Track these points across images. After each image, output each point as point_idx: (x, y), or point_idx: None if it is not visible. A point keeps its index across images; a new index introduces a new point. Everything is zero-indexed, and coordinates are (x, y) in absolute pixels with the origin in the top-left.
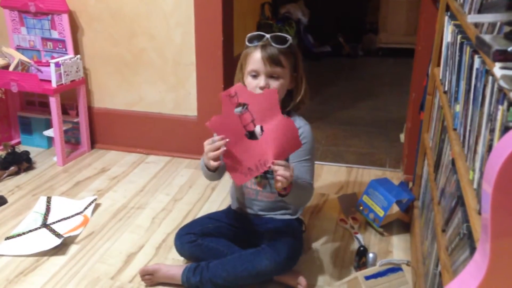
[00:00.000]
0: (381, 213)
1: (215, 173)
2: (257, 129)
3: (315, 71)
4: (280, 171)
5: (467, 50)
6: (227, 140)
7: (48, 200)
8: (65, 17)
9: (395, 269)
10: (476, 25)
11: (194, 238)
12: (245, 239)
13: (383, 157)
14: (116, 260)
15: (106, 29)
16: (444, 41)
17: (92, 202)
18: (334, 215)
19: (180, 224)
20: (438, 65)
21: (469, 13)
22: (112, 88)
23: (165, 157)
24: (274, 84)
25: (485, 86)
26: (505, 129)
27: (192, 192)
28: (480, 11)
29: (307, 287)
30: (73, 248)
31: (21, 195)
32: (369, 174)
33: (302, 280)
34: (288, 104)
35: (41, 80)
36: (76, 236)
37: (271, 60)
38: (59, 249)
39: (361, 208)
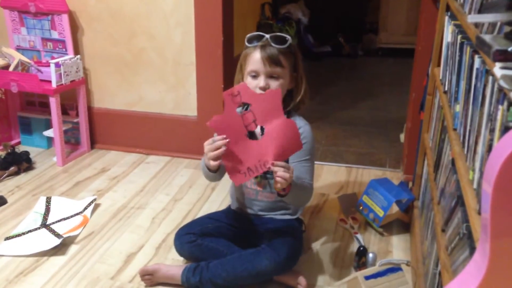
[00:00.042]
0: (381, 213)
1: (215, 173)
2: (257, 129)
3: (315, 71)
4: (280, 172)
5: (467, 50)
6: (228, 140)
7: (48, 200)
8: (65, 17)
9: (395, 269)
10: (476, 25)
11: (194, 238)
12: (245, 239)
13: (383, 157)
14: (116, 260)
15: (106, 29)
16: (444, 41)
17: (91, 202)
18: (334, 215)
19: (180, 224)
20: (438, 65)
21: (469, 13)
22: (112, 88)
23: (165, 157)
24: (274, 84)
25: (485, 86)
26: (505, 129)
27: (192, 192)
28: (480, 11)
29: (307, 287)
30: (73, 248)
31: (21, 195)
32: (369, 174)
33: (302, 280)
34: (288, 104)
35: (41, 80)
36: (75, 236)
37: (271, 60)
38: (58, 249)
39: (361, 208)
